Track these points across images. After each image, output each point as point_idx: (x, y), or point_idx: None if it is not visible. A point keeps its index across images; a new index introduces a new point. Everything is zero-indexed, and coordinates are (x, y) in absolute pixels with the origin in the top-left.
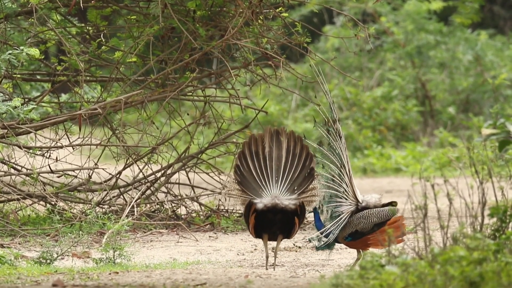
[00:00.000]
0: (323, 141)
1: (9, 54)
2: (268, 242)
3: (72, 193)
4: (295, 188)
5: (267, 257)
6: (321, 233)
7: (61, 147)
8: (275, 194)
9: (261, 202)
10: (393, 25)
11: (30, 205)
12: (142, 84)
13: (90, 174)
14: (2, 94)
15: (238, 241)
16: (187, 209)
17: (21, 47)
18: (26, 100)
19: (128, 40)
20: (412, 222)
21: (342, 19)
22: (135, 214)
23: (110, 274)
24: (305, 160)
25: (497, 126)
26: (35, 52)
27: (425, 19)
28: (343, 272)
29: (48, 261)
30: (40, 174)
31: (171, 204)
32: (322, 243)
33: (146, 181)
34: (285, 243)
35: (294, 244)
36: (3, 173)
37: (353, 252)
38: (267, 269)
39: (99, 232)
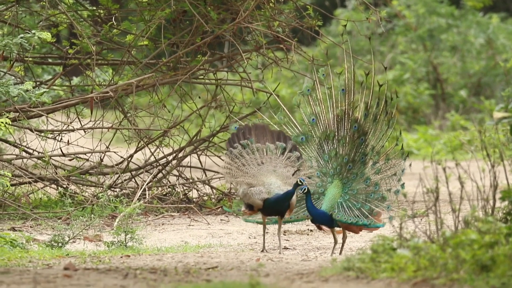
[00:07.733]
0: None
1: (21, 37)
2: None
3: (83, 176)
4: None
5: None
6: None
7: (73, 130)
8: None
9: None
10: (405, 8)
11: (41, 188)
12: (153, 67)
13: (101, 157)
14: (14, 78)
15: (249, 224)
16: (199, 192)
17: (33, 31)
18: (38, 83)
19: (139, 23)
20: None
21: (353, 2)
22: (147, 197)
23: (121, 257)
24: None
25: (508, 109)
26: (46, 35)
27: (436, 2)
28: (354, 255)
29: (60, 244)
30: (52, 157)
31: (183, 187)
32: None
33: (158, 164)
34: (297, 226)
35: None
36: (15, 156)
37: (366, 235)
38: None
39: (110, 215)
